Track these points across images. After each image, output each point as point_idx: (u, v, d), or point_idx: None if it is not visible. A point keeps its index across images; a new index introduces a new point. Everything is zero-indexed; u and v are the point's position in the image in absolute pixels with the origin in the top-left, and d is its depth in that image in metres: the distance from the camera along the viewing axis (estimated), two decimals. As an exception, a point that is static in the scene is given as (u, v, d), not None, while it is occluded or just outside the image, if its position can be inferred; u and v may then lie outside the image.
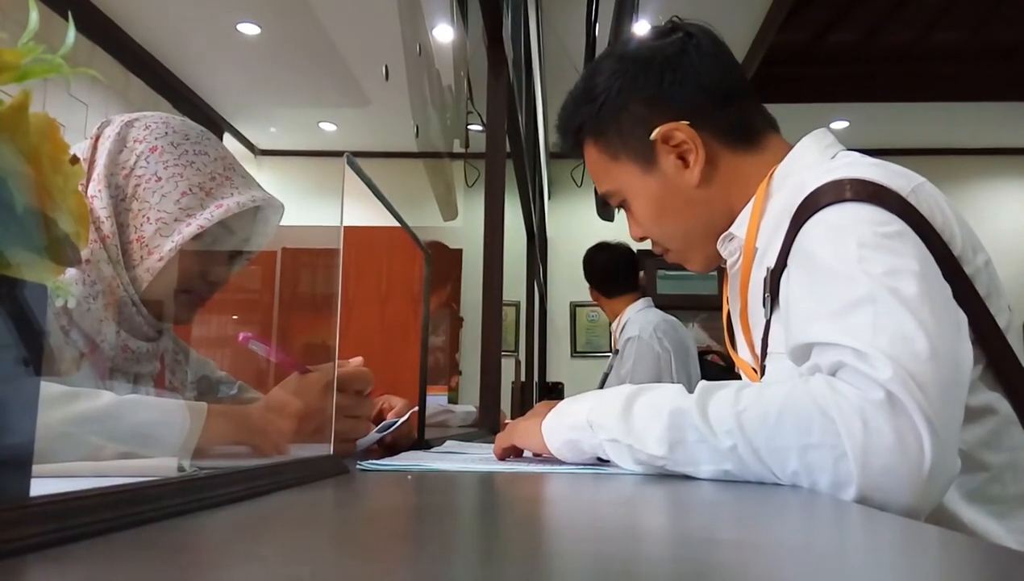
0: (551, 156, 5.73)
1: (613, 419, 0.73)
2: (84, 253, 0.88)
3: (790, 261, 0.80)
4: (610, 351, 3.37)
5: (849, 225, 0.74)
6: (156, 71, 4.31)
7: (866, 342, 0.64)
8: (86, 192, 0.93)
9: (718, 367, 3.08)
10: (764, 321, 0.86)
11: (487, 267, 1.84)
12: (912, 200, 0.75)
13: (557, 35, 4.22)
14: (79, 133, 3.55)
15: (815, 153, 0.91)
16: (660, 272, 6.51)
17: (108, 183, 0.94)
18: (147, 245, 0.95)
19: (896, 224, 0.73)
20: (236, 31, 4.13)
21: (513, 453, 0.86)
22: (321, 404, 0.87)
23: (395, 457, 0.88)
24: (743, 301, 0.93)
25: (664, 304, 3.11)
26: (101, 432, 0.67)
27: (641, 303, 2.99)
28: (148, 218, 0.95)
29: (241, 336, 0.89)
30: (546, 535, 0.45)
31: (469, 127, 2.89)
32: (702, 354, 3.22)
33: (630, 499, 0.61)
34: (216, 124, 5.21)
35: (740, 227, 0.94)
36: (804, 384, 0.66)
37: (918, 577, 0.35)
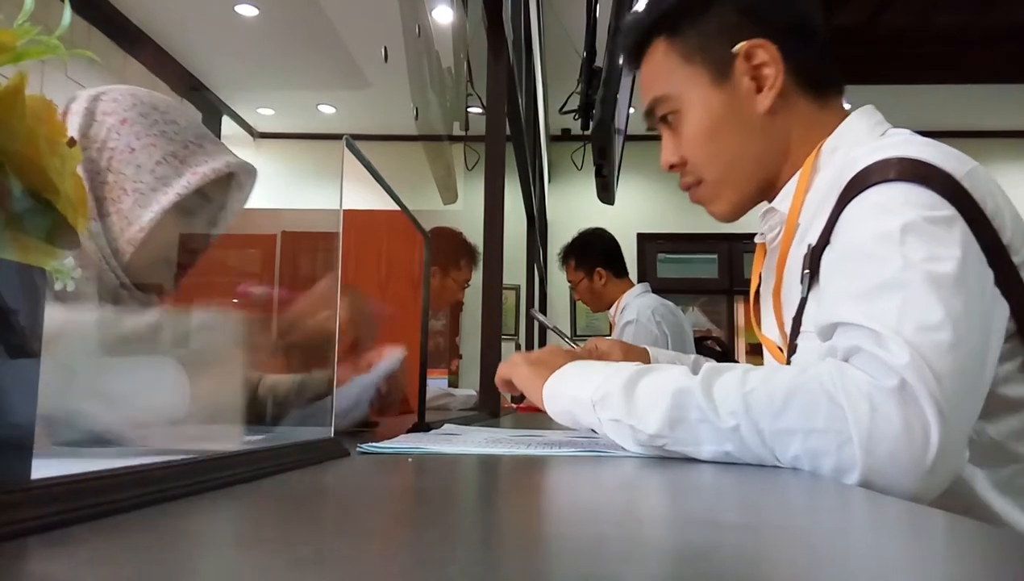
0: (551, 139, 5.71)
1: (616, 399, 0.73)
2: None
3: (833, 239, 0.78)
4: (610, 335, 3.37)
5: (897, 206, 0.72)
6: (154, 53, 4.28)
7: (889, 326, 0.64)
8: None
9: (715, 352, 3.10)
10: (799, 299, 0.83)
11: (487, 250, 1.83)
12: (966, 184, 0.72)
13: (557, 17, 4.19)
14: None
15: (864, 129, 0.89)
16: (660, 256, 6.51)
17: (82, 157, 0.95)
18: (126, 217, 0.95)
19: (946, 209, 0.71)
20: (234, 12, 4.10)
21: (510, 390, 0.90)
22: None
23: (395, 439, 0.88)
24: (778, 277, 0.90)
25: (664, 288, 3.12)
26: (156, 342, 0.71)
27: (639, 288, 3.01)
28: (125, 190, 0.95)
29: (240, 288, 0.91)
30: (546, 517, 0.45)
31: (469, 110, 2.88)
32: (700, 339, 3.23)
33: (631, 482, 0.61)
34: (214, 106, 5.18)
35: (783, 202, 0.92)
36: (814, 368, 0.66)
37: (920, 559, 0.35)
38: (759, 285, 0.99)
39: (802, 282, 0.83)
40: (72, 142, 0.37)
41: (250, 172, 1.08)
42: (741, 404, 0.66)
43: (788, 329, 0.87)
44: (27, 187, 0.34)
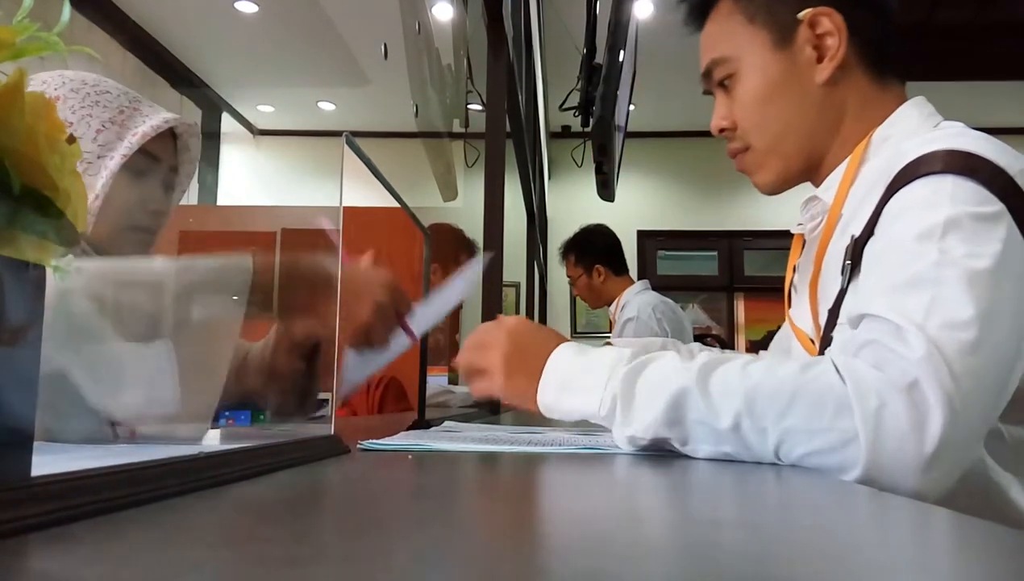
0: (551, 136, 5.71)
1: (618, 409, 0.72)
2: None
3: (877, 230, 0.77)
4: (610, 332, 3.37)
5: (944, 200, 0.70)
6: (153, 50, 4.28)
7: (914, 322, 0.64)
8: None
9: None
10: (838, 290, 0.81)
11: (487, 248, 1.83)
12: (1019, 180, 0.71)
13: (557, 13, 4.18)
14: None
15: (916, 120, 0.87)
16: (660, 253, 6.50)
17: (81, 154, 0.95)
18: None
19: (993, 204, 0.69)
20: (234, 9, 4.09)
21: (482, 387, 0.85)
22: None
23: (395, 437, 0.88)
24: (816, 268, 0.88)
25: (664, 285, 3.13)
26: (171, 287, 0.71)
27: (639, 285, 3.01)
28: None
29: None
30: (546, 515, 0.45)
31: (469, 107, 2.87)
32: (700, 336, 3.24)
33: (631, 480, 0.61)
34: (214, 104, 5.18)
35: (827, 191, 0.90)
36: (819, 365, 0.65)
37: (928, 557, 0.35)
38: (793, 276, 0.97)
39: (842, 273, 0.81)
40: (72, 139, 0.37)
41: (192, 128, 1.09)
42: (743, 403, 0.65)
43: (823, 320, 0.85)
44: (26, 184, 0.34)
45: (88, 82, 1.01)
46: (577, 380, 0.77)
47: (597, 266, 3.02)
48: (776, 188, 0.96)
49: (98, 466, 0.36)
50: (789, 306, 0.97)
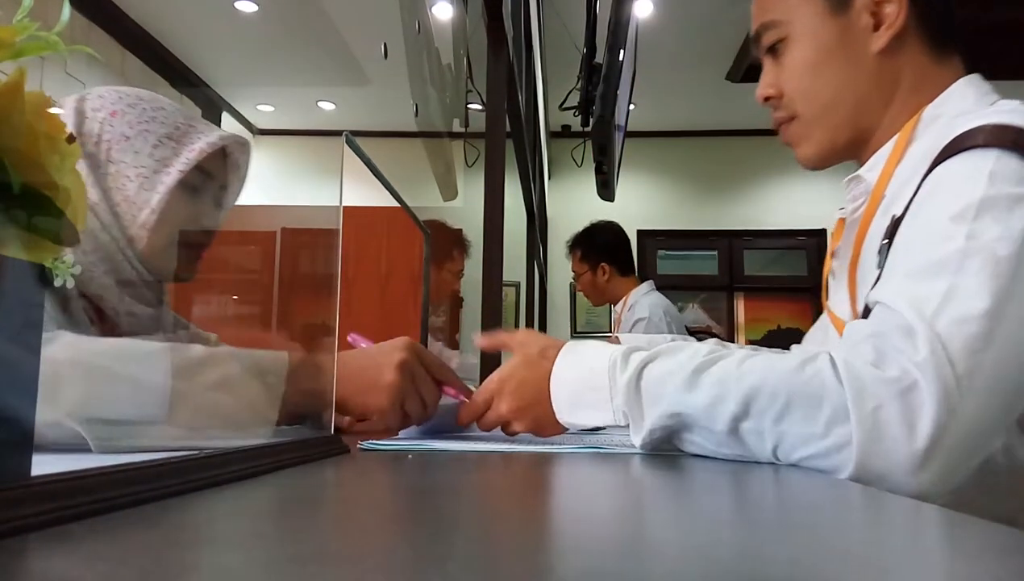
0: (551, 135, 5.71)
1: (631, 420, 0.73)
2: None
3: (912, 206, 0.73)
4: (610, 331, 3.37)
5: (982, 177, 0.67)
6: (153, 49, 4.27)
7: (924, 315, 0.62)
8: None
9: None
10: (877, 273, 0.77)
11: (487, 247, 1.83)
12: None
13: (557, 13, 4.18)
14: (67, 118, 3.52)
15: (971, 98, 0.82)
16: (660, 252, 6.50)
17: (82, 153, 0.96)
18: (134, 202, 0.97)
19: None
20: (234, 8, 4.09)
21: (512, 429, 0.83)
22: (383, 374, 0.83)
23: (395, 436, 0.88)
24: (856, 251, 0.84)
25: (664, 284, 3.13)
26: (205, 382, 0.69)
27: (647, 286, 3.01)
28: (128, 177, 0.97)
29: (350, 337, 0.89)
30: (547, 514, 0.45)
31: (469, 106, 2.87)
32: (697, 335, 3.24)
33: (632, 479, 0.61)
34: (214, 103, 5.18)
35: (871, 170, 0.85)
36: (815, 363, 0.64)
37: (926, 557, 0.35)
38: (832, 263, 0.93)
39: (880, 254, 0.77)
40: (72, 138, 0.37)
41: (244, 146, 1.09)
42: (739, 405, 0.65)
43: (861, 306, 0.81)
44: (26, 183, 0.34)
45: (144, 98, 1.02)
46: (585, 396, 0.76)
47: (603, 264, 3.01)
48: (820, 162, 0.91)
49: (97, 466, 0.36)
50: (826, 296, 0.94)
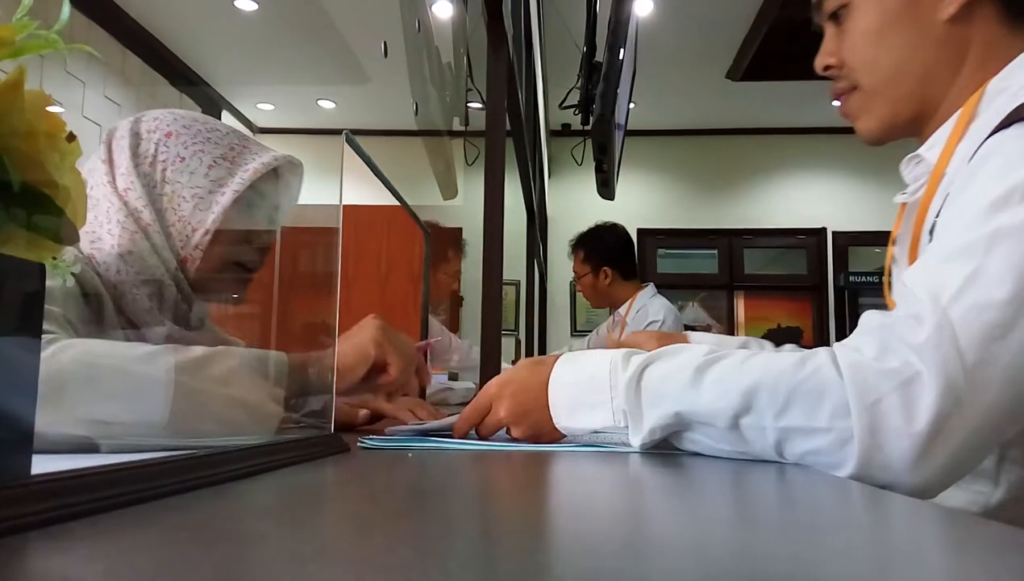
0: (551, 134, 5.70)
1: (630, 421, 0.72)
2: (126, 244, 0.91)
3: (959, 180, 0.70)
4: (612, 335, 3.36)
5: None
6: (153, 48, 4.27)
7: (940, 303, 0.60)
8: (115, 188, 0.95)
9: None
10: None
11: (487, 246, 1.83)
12: None
13: (557, 11, 4.18)
14: (77, 110, 3.52)
15: None
16: (660, 251, 6.50)
17: (137, 173, 0.96)
18: (189, 223, 0.97)
19: None
20: (234, 7, 4.09)
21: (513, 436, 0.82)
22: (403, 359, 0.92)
23: (395, 434, 0.88)
24: (916, 234, 0.79)
25: (664, 283, 3.13)
26: (204, 379, 0.69)
27: (651, 289, 3.01)
28: (184, 197, 0.97)
29: (417, 344, 0.93)
30: (547, 512, 0.45)
31: (469, 105, 2.87)
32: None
33: (632, 478, 0.61)
34: (214, 102, 5.17)
35: (932, 149, 0.81)
36: (816, 358, 0.64)
37: (926, 554, 0.35)
38: (894, 250, 0.89)
39: (930, 233, 0.73)
40: (71, 137, 0.37)
41: (296, 166, 1.10)
42: (741, 402, 0.65)
43: None
44: (26, 182, 0.34)
45: (198, 119, 1.03)
46: (584, 398, 0.75)
47: (605, 268, 3.00)
48: (881, 136, 0.87)
49: (96, 465, 0.36)
50: (889, 288, 0.88)
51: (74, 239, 0.37)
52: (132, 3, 3.93)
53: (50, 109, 0.35)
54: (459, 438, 0.83)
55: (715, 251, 6.46)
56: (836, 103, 0.90)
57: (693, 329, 3.16)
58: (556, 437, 0.80)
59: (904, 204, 0.86)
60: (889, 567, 0.30)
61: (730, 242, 6.41)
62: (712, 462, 0.67)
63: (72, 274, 0.83)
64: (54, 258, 0.37)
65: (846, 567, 0.30)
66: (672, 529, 0.39)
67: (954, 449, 0.59)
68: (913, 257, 0.80)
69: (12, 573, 0.24)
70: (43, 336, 0.65)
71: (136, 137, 0.99)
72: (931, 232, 0.74)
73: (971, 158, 0.70)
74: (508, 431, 0.83)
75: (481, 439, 0.83)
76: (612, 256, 3.01)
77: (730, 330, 6.33)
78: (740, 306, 6.44)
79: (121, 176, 0.96)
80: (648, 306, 2.94)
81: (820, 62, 0.89)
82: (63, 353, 0.64)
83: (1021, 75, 0.76)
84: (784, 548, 0.33)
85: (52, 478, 0.32)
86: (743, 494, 0.54)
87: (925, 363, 0.59)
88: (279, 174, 1.07)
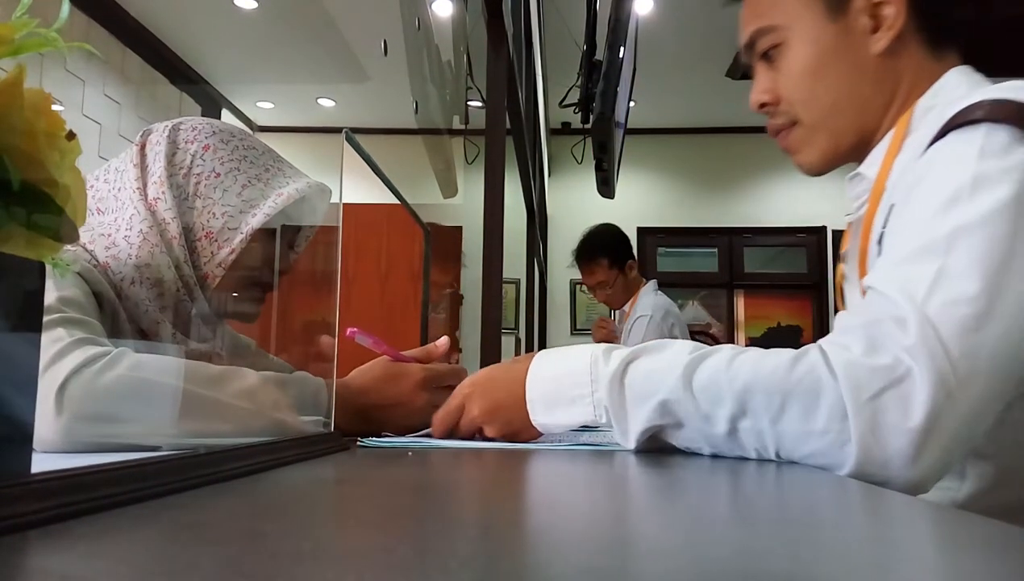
0: (551, 133, 5.70)
1: (613, 420, 0.72)
2: (144, 256, 0.90)
3: (904, 189, 0.73)
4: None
5: (972, 154, 0.66)
6: (153, 46, 4.27)
7: (915, 299, 0.61)
8: (145, 195, 0.94)
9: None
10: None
11: (487, 244, 1.83)
12: None
13: (558, 10, 4.18)
14: (77, 109, 3.51)
15: (964, 87, 0.81)
16: (660, 249, 6.50)
17: (170, 184, 0.95)
18: (216, 240, 0.96)
19: None
20: (233, 5, 4.09)
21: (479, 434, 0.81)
22: (412, 397, 0.92)
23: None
24: (863, 249, 0.83)
25: (664, 281, 3.13)
26: (253, 405, 0.74)
27: (652, 285, 3.02)
28: (214, 213, 0.96)
29: (348, 331, 0.91)
30: (546, 510, 0.45)
31: (469, 103, 2.87)
32: (697, 334, 3.24)
33: (631, 476, 0.61)
34: (213, 100, 5.17)
35: (871, 167, 0.85)
36: (808, 358, 0.64)
37: (924, 553, 0.35)
38: (843, 267, 0.92)
39: (879, 243, 0.76)
40: (71, 136, 0.37)
41: (325, 193, 1.08)
42: (735, 406, 0.65)
43: None
44: (25, 180, 0.34)
45: (236, 135, 1.02)
46: (564, 392, 0.74)
47: (629, 261, 3.02)
48: (822, 167, 0.90)
49: (97, 463, 0.36)
50: (842, 303, 0.92)
51: (74, 238, 0.37)
52: (132, 1, 3.93)
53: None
54: (439, 439, 0.81)
55: (715, 250, 6.46)
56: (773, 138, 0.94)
57: (694, 330, 3.15)
58: (532, 435, 0.78)
59: (850, 223, 0.90)
60: (889, 565, 0.30)
61: (730, 240, 6.41)
62: (708, 460, 0.67)
63: (79, 275, 0.83)
64: (54, 257, 0.37)
65: (845, 565, 0.30)
66: (669, 526, 0.39)
67: (948, 442, 0.60)
68: (863, 272, 0.83)
69: (12, 571, 0.24)
70: (97, 348, 0.70)
71: (173, 145, 0.97)
72: (880, 242, 0.76)
73: (911, 170, 0.73)
74: (481, 431, 0.80)
75: (462, 439, 0.81)
76: (629, 249, 3.04)
77: (730, 328, 6.33)
78: (740, 304, 6.45)
79: (153, 184, 0.94)
80: (642, 301, 2.94)
81: (755, 100, 0.92)
82: (139, 370, 0.69)
83: (946, 93, 0.82)
84: (780, 545, 0.33)
85: (52, 476, 0.32)
86: (738, 491, 0.54)
87: (915, 359, 0.60)
88: (306, 198, 1.06)
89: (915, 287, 0.62)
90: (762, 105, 0.92)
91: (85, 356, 0.67)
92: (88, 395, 0.65)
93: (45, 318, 0.70)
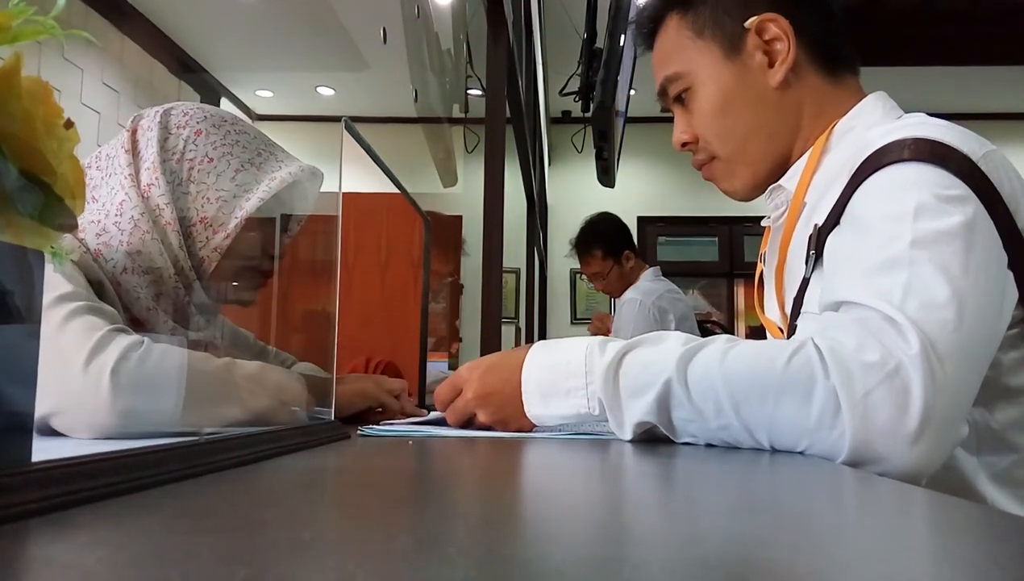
0: (551, 121, 5.69)
1: (608, 412, 0.72)
2: (136, 243, 0.90)
3: (843, 219, 0.77)
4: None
5: (910, 186, 0.72)
6: (151, 34, 4.25)
7: (894, 306, 0.64)
8: (137, 182, 0.93)
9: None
10: (802, 278, 0.83)
11: (487, 234, 1.83)
12: (983, 165, 0.72)
13: (558, -2, 4.16)
14: (75, 97, 3.50)
15: (879, 113, 0.88)
16: (661, 238, 6.49)
17: (164, 170, 0.94)
18: (211, 225, 0.95)
19: (959, 188, 0.71)
20: (232, -7, 4.07)
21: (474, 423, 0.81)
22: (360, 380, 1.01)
23: (396, 422, 0.88)
24: (781, 257, 0.90)
25: (664, 271, 3.11)
26: (256, 387, 0.78)
27: (652, 272, 3.00)
28: (208, 198, 0.95)
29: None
30: (545, 499, 0.45)
31: (469, 92, 2.86)
32: (701, 322, 3.23)
33: (630, 465, 0.61)
34: (212, 88, 5.16)
35: (791, 180, 0.91)
36: (803, 351, 0.64)
37: (918, 540, 0.35)
38: (763, 267, 0.98)
39: (806, 262, 0.82)
40: (69, 124, 0.37)
41: (317, 177, 1.09)
42: (729, 401, 0.65)
43: (789, 310, 0.86)
44: (24, 169, 0.34)
45: (227, 119, 1.02)
46: (559, 383, 0.75)
47: (626, 252, 3.00)
48: (747, 194, 0.97)
49: (99, 451, 0.36)
50: (759, 297, 0.99)
51: (72, 226, 0.37)
52: (130, -11, 3.91)
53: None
54: (441, 411, 0.84)
55: (715, 239, 6.45)
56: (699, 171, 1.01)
57: (701, 321, 3.13)
58: (523, 426, 0.78)
59: (770, 228, 0.98)
60: (887, 552, 0.30)
61: (730, 230, 6.40)
62: (705, 449, 0.67)
63: (73, 262, 0.83)
64: (53, 245, 0.37)
65: (843, 552, 0.30)
66: (667, 514, 0.39)
67: (940, 434, 0.62)
68: (779, 277, 0.90)
69: (13, 560, 0.25)
70: (131, 337, 0.72)
71: (165, 130, 0.96)
72: (807, 262, 0.82)
73: (843, 199, 0.78)
74: (475, 419, 0.80)
75: (451, 426, 0.81)
76: (626, 239, 3.01)
77: (730, 318, 6.33)
78: (740, 294, 6.44)
79: (146, 170, 0.94)
80: (637, 286, 2.92)
81: (676, 140, 0.99)
82: (167, 359, 0.73)
83: (865, 116, 0.88)
84: (778, 532, 0.33)
85: (53, 465, 0.33)
86: (735, 479, 0.54)
87: (906, 354, 0.61)
88: (298, 182, 1.05)
89: (890, 295, 0.65)
90: (684, 144, 0.98)
91: (126, 343, 0.70)
92: (138, 382, 0.68)
93: (70, 306, 0.72)
